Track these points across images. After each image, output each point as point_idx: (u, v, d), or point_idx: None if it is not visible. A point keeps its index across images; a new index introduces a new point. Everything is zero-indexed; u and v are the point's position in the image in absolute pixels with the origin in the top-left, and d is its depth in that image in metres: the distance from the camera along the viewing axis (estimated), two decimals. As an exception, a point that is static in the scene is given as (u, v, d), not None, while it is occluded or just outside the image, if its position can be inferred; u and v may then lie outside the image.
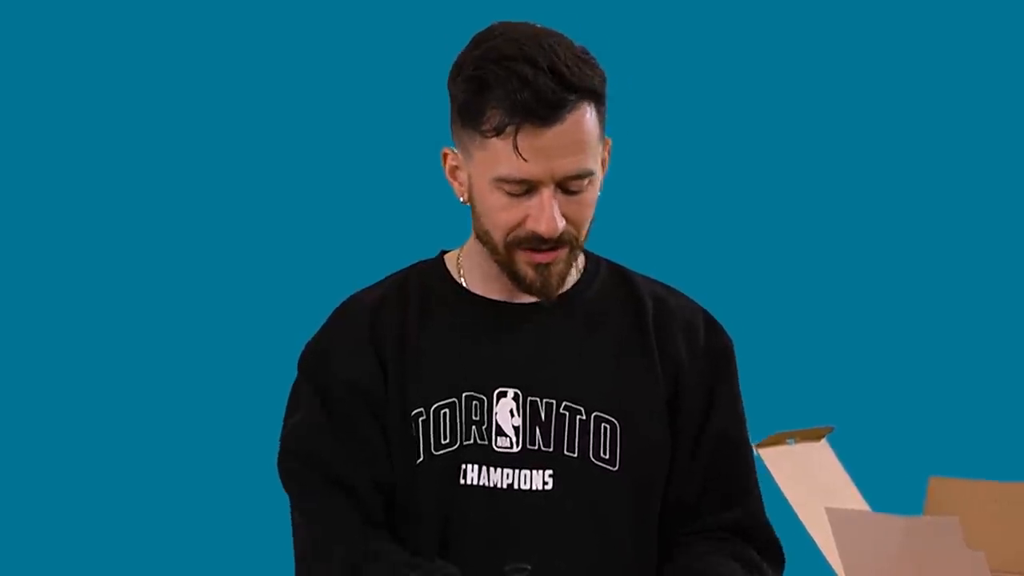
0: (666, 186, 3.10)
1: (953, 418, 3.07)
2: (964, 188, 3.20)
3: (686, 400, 1.68)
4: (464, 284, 1.68)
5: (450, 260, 1.71)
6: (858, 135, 3.20)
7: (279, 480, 1.74)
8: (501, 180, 1.56)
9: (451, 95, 1.61)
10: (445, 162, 1.64)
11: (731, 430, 1.71)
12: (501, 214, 1.59)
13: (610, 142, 1.64)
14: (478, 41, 1.61)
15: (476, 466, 1.62)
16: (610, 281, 1.72)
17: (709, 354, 1.70)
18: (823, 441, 1.72)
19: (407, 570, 1.57)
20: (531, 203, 1.58)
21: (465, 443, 1.62)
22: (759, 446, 1.64)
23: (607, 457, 1.63)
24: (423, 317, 1.67)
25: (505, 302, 1.67)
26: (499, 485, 1.62)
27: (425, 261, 1.73)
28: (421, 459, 1.61)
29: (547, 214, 1.56)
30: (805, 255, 3.16)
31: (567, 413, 1.64)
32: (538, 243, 1.58)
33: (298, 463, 1.69)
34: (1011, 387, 3.16)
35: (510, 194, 1.57)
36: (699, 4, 3.15)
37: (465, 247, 1.71)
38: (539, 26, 1.63)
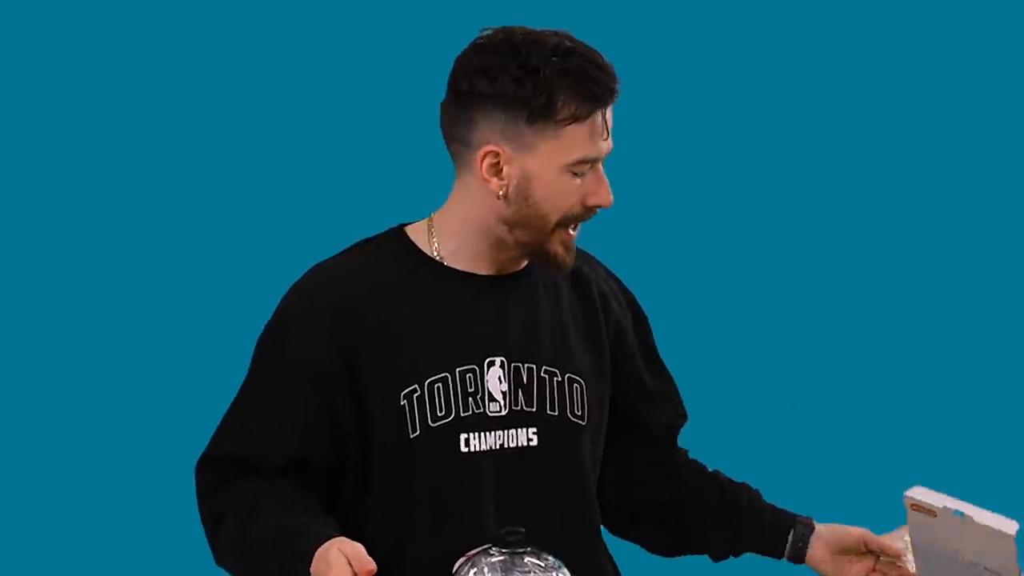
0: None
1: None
2: (936, 189, 3.25)
3: (627, 345, 1.88)
4: (441, 260, 1.78)
5: (414, 233, 1.81)
6: (821, 134, 3.25)
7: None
8: (578, 163, 1.71)
9: (494, 97, 1.71)
10: (484, 161, 1.74)
11: (664, 371, 1.96)
12: (566, 197, 1.73)
13: None
14: (508, 45, 1.72)
15: (475, 434, 1.74)
16: None
17: (632, 309, 1.91)
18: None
19: (292, 525, 1.67)
20: (586, 181, 1.72)
21: (463, 414, 1.73)
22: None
23: (579, 413, 1.80)
24: (398, 291, 1.76)
25: (481, 275, 1.78)
26: (492, 447, 1.75)
27: (385, 236, 1.83)
28: (417, 432, 1.72)
29: (607, 186, 1.73)
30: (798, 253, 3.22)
31: (547, 376, 1.78)
32: (589, 216, 1.74)
33: (212, 452, 1.79)
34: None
35: (577, 175, 1.71)
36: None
37: (446, 226, 1.80)
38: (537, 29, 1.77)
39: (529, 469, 1.78)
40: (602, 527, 1.92)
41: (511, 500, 1.76)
